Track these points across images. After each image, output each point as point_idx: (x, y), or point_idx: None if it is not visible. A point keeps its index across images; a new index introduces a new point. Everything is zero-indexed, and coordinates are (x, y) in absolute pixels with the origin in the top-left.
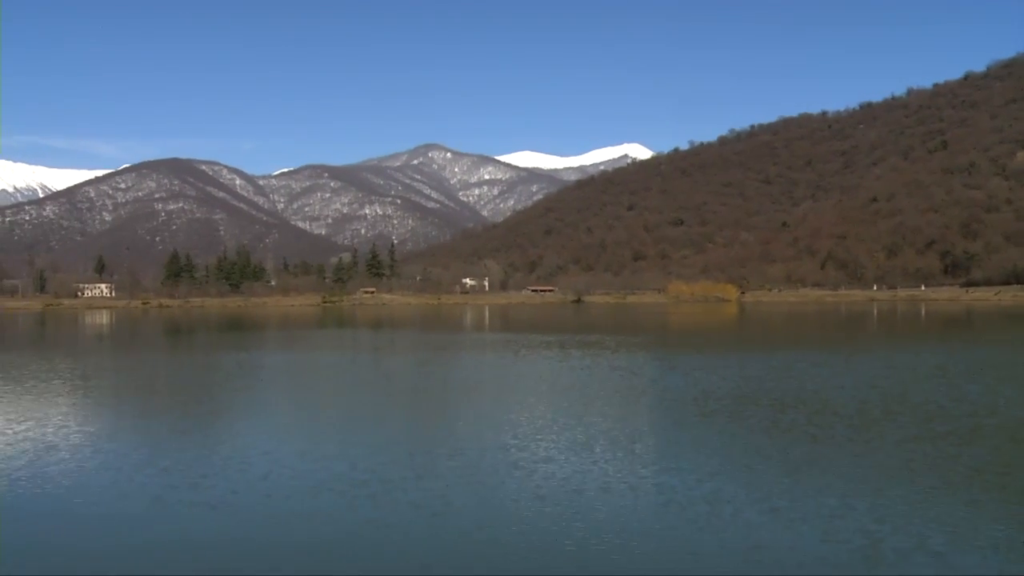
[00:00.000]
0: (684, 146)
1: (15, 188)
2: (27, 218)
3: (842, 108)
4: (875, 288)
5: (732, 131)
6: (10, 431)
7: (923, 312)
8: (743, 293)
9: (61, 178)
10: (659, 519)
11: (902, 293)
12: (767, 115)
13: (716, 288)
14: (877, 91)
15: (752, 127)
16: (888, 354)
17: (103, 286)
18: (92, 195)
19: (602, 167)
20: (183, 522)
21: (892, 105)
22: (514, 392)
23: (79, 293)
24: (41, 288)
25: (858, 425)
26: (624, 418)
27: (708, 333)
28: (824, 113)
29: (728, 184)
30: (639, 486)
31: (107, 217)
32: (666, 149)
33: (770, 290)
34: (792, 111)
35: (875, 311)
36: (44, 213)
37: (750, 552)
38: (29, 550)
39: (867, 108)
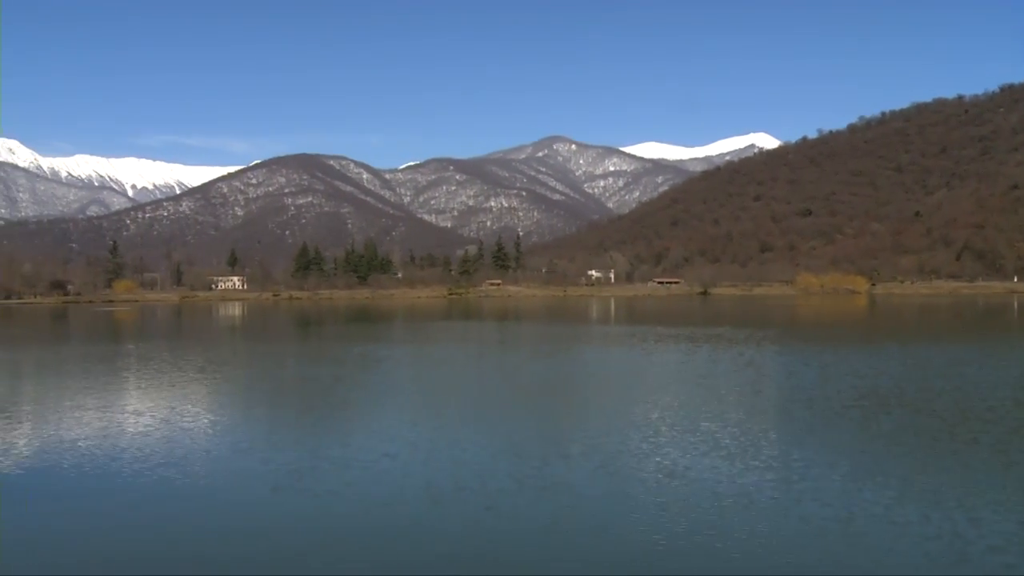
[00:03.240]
0: (812, 135)
1: (154, 185)
2: (165, 214)
3: (980, 92)
4: (1016, 280)
5: (862, 118)
6: (148, 417)
7: None
8: (873, 285)
9: (196, 175)
10: (788, 531)
11: None
12: (899, 101)
13: (846, 280)
14: (1018, 73)
15: (883, 114)
16: None
17: (236, 279)
18: (225, 191)
19: (728, 157)
20: (298, 509)
21: None
22: (641, 388)
23: (213, 286)
24: (178, 281)
25: (1012, 430)
26: (753, 418)
27: (838, 326)
28: (960, 97)
29: (858, 173)
30: (774, 493)
31: (239, 212)
32: (794, 138)
33: (902, 282)
34: (925, 96)
35: (1016, 304)
36: (181, 209)
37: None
38: (157, 528)
39: (1008, 91)
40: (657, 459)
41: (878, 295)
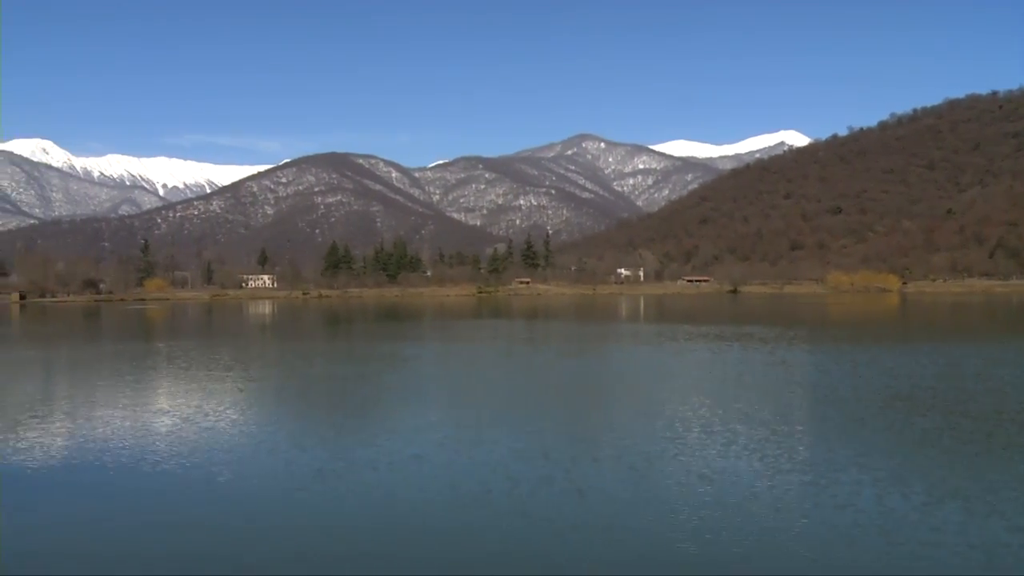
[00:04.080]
0: (843, 132)
1: (185, 185)
2: (196, 213)
3: (1015, 87)
4: None
5: (893, 115)
6: (176, 415)
7: None
8: (905, 283)
9: (227, 174)
10: (822, 535)
11: None
12: (931, 97)
13: (877, 278)
14: None
15: (915, 111)
16: None
17: (266, 277)
18: (255, 190)
19: (758, 155)
20: (322, 509)
21: None
22: (671, 388)
23: (243, 284)
24: (209, 279)
25: None
26: (786, 418)
27: (869, 325)
28: (995, 93)
29: (889, 171)
30: (807, 496)
31: (269, 211)
32: (824, 135)
33: (934, 280)
34: (958, 92)
35: None
36: (211, 208)
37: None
38: (184, 526)
39: None
40: (688, 460)
41: (909, 294)
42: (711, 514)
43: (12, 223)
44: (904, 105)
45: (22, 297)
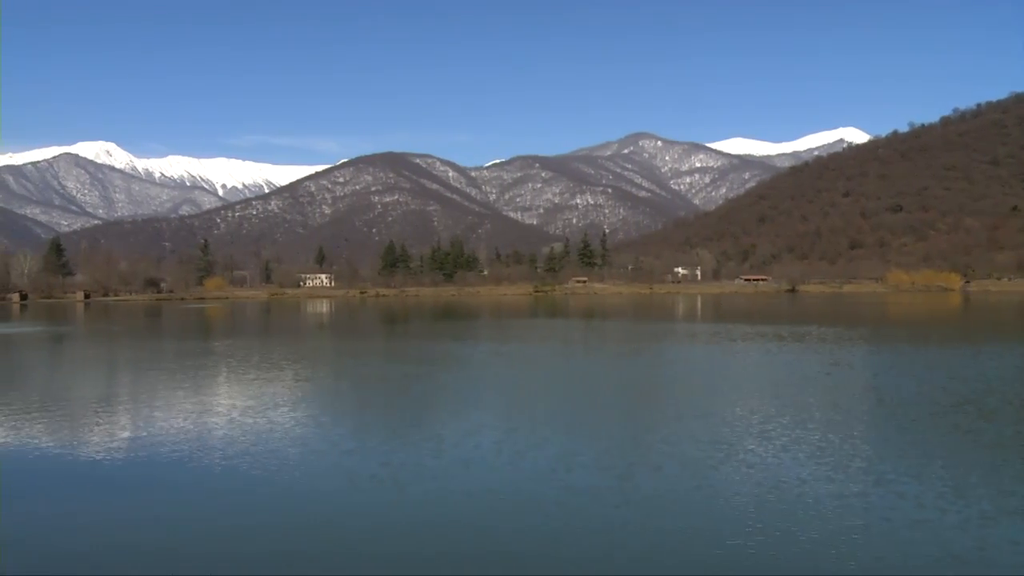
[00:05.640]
0: (903, 128)
1: (244, 185)
2: (254, 212)
3: None
4: None
5: (956, 110)
6: (235, 413)
7: None
8: (967, 282)
9: (285, 174)
10: (890, 556)
11: None
12: (996, 92)
13: (938, 277)
14: None
15: (979, 105)
16: None
17: (323, 276)
18: (313, 189)
19: (816, 152)
20: (372, 509)
21: None
22: (729, 390)
23: (301, 283)
24: (267, 278)
25: None
26: (848, 423)
27: (931, 325)
28: None
29: (951, 167)
30: (869, 505)
31: (326, 210)
32: (884, 132)
33: (998, 279)
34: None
35: None
36: (269, 207)
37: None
38: (241, 521)
39: None
40: (746, 465)
41: (972, 293)
42: (775, 526)
43: (77, 224)
44: (967, 100)
45: (86, 296)
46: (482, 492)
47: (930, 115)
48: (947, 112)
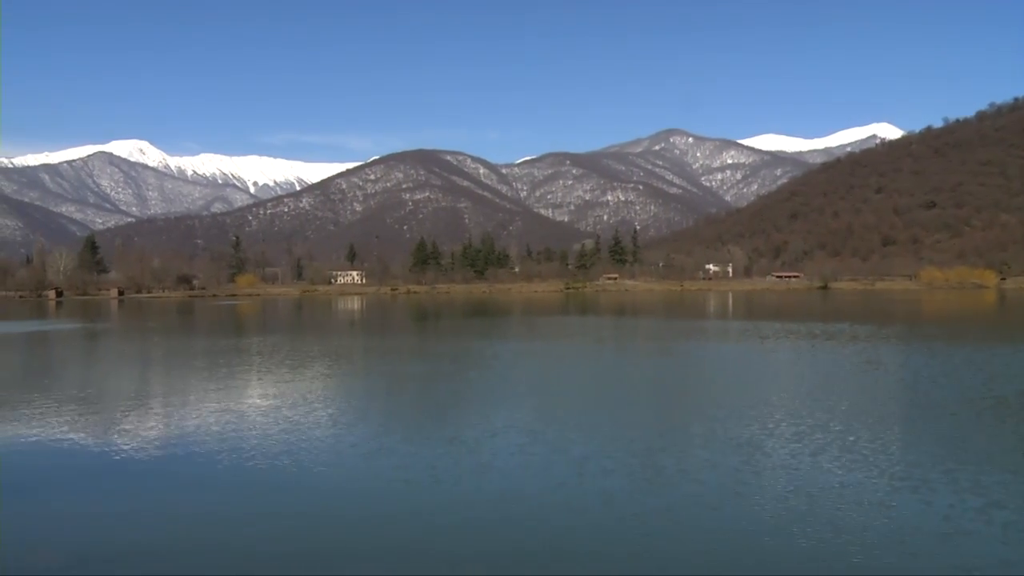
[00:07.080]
0: (938, 124)
1: (275, 182)
2: (286, 210)
3: None
4: None
5: (992, 105)
6: (266, 410)
7: None
8: (1003, 279)
9: (316, 171)
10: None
11: None
12: None
13: (973, 274)
14: None
15: (1016, 100)
16: None
17: (354, 273)
18: (344, 187)
19: (849, 149)
20: (402, 505)
21: None
22: (761, 388)
23: (332, 280)
24: (298, 275)
25: None
26: (884, 423)
27: (966, 322)
28: None
29: (987, 163)
30: (907, 509)
31: (358, 207)
32: (918, 128)
33: None
34: None
35: None
36: (301, 205)
37: None
38: (272, 517)
39: None
40: (777, 465)
41: (1008, 290)
42: (802, 526)
43: (111, 221)
44: (1003, 95)
45: (120, 293)
46: (510, 493)
47: (965, 110)
48: (982, 107)
